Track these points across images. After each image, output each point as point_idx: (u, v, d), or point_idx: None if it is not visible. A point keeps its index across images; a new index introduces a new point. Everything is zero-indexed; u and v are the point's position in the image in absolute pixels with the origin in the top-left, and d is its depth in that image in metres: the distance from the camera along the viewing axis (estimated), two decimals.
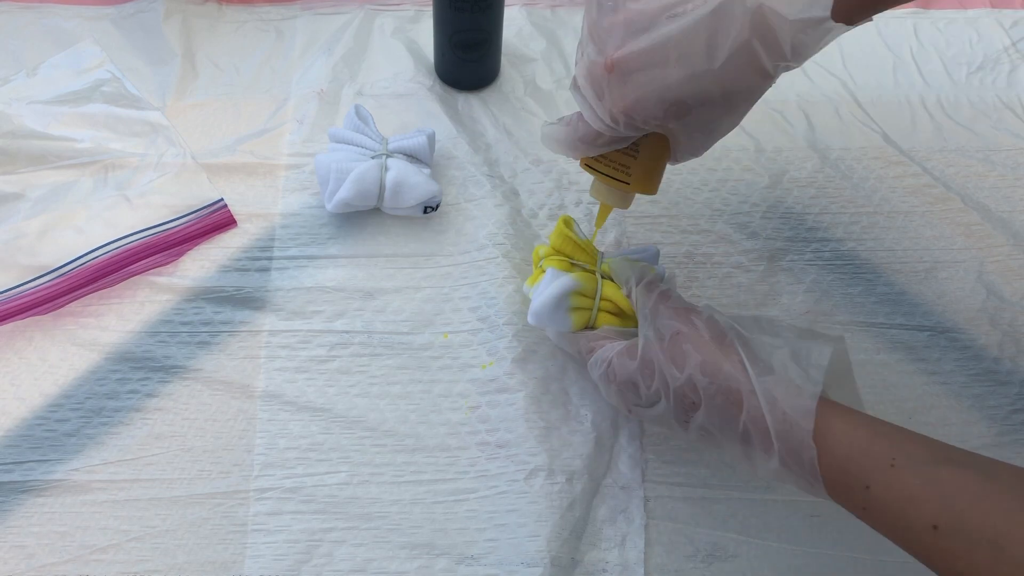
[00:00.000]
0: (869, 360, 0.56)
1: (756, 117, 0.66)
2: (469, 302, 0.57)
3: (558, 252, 0.52)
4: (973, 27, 0.73)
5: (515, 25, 0.70)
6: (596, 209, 0.61)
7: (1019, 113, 0.68)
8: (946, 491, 0.35)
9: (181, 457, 0.51)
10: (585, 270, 0.51)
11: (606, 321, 0.50)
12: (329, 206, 0.57)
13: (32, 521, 0.48)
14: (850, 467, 0.38)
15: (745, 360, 0.42)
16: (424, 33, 0.69)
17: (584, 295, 0.50)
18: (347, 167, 0.56)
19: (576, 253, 0.51)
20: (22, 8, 0.68)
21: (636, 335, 0.47)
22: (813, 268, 0.59)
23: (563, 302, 0.49)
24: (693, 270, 0.59)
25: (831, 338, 0.44)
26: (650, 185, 0.46)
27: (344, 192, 0.56)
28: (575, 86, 0.42)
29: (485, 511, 0.50)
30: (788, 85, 0.68)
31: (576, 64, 0.42)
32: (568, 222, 0.52)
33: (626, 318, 0.50)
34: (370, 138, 0.58)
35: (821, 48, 0.37)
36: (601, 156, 0.45)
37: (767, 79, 0.38)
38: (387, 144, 0.58)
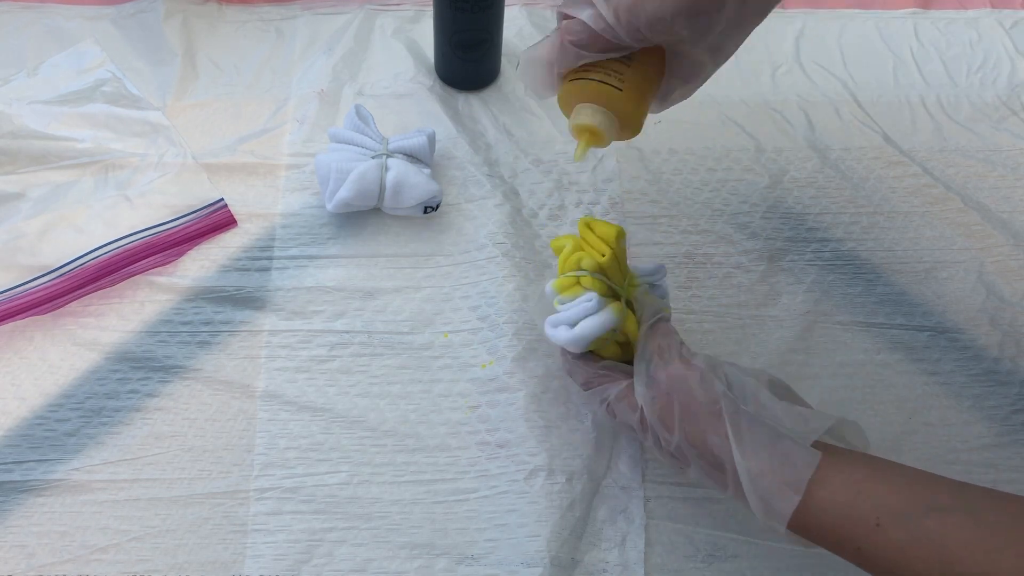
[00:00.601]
0: (869, 360, 0.56)
1: (756, 117, 0.66)
2: (469, 301, 0.57)
3: (601, 270, 0.46)
4: (973, 27, 0.73)
5: (515, 25, 0.70)
6: (597, 209, 0.61)
7: (1019, 113, 0.68)
8: (934, 543, 0.36)
9: (181, 457, 0.51)
10: (615, 296, 0.47)
11: (612, 351, 0.48)
12: (329, 206, 0.57)
13: (32, 521, 0.48)
14: (839, 530, 0.38)
15: (731, 436, 0.41)
16: (424, 33, 0.69)
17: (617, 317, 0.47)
18: (347, 167, 0.56)
19: (617, 277, 0.47)
20: (22, 8, 0.68)
21: (630, 370, 0.47)
22: (813, 268, 0.59)
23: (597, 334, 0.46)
24: (693, 270, 0.59)
25: (843, 421, 0.43)
26: (640, 104, 0.42)
27: (344, 192, 0.56)
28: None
29: (485, 511, 0.50)
30: (788, 85, 0.68)
31: None
32: (621, 234, 0.47)
33: (629, 351, 0.48)
34: (370, 138, 0.58)
35: None
36: (589, 65, 0.41)
37: None
38: (387, 144, 0.58)
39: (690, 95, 0.43)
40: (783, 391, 0.44)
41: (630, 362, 0.47)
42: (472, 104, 0.66)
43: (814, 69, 0.70)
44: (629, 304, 0.48)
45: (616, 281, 0.47)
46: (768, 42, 0.71)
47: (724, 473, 0.41)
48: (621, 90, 0.41)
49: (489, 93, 0.66)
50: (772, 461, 0.40)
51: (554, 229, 0.60)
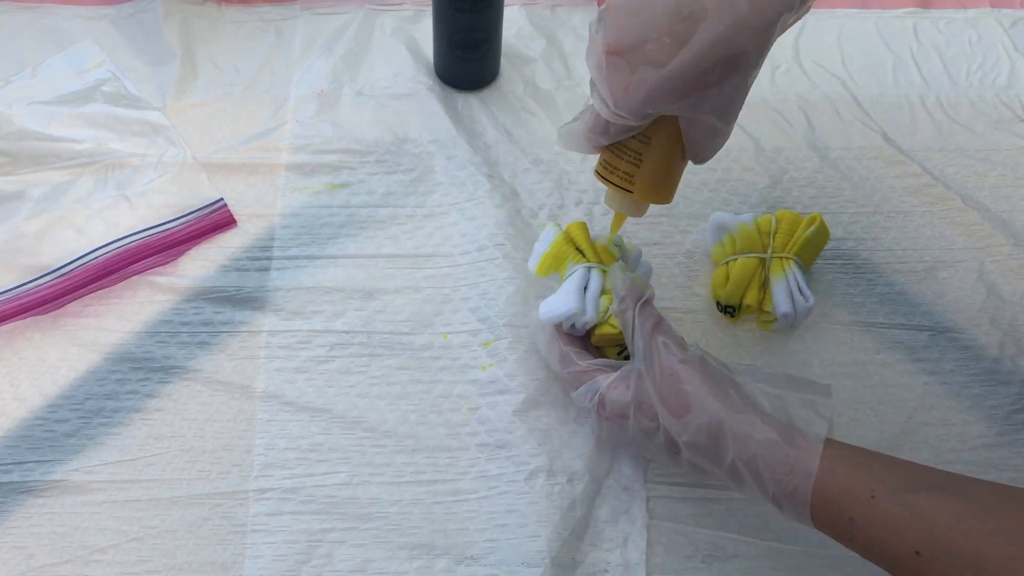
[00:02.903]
0: (869, 360, 0.56)
1: (756, 117, 0.66)
2: (469, 303, 0.56)
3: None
4: (973, 27, 0.73)
5: (515, 25, 0.70)
6: (597, 209, 0.61)
7: (1019, 113, 0.68)
8: (926, 517, 0.36)
9: (181, 457, 0.51)
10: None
11: (607, 332, 0.49)
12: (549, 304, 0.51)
13: (32, 522, 0.48)
14: (833, 502, 0.39)
15: (739, 405, 0.42)
16: (424, 33, 0.69)
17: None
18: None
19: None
20: (21, 8, 0.68)
21: (622, 366, 0.47)
22: (813, 268, 0.59)
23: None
24: (694, 269, 0.59)
25: (820, 387, 0.45)
26: (658, 192, 0.45)
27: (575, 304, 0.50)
28: (592, 82, 0.42)
29: (485, 511, 0.50)
30: (788, 85, 0.68)
31: (588, 53, 0.42)
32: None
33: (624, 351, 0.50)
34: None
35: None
36: (608, 163, 0.45)
37: (764, 34, 0.38)
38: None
39: (718, 149, 0.44)
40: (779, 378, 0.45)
41: (618, 365, 0.48)
42: (472, 104, 0.66)
43: (814, 68, 0.70)
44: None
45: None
46: None
47: (725, 447, 0.42)
48: (632, 192, 0.45)
49: (489, 93, 0.66)
50: (788, 427, 0.41)
51: None
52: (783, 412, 0.43)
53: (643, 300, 0.47)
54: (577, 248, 0.52)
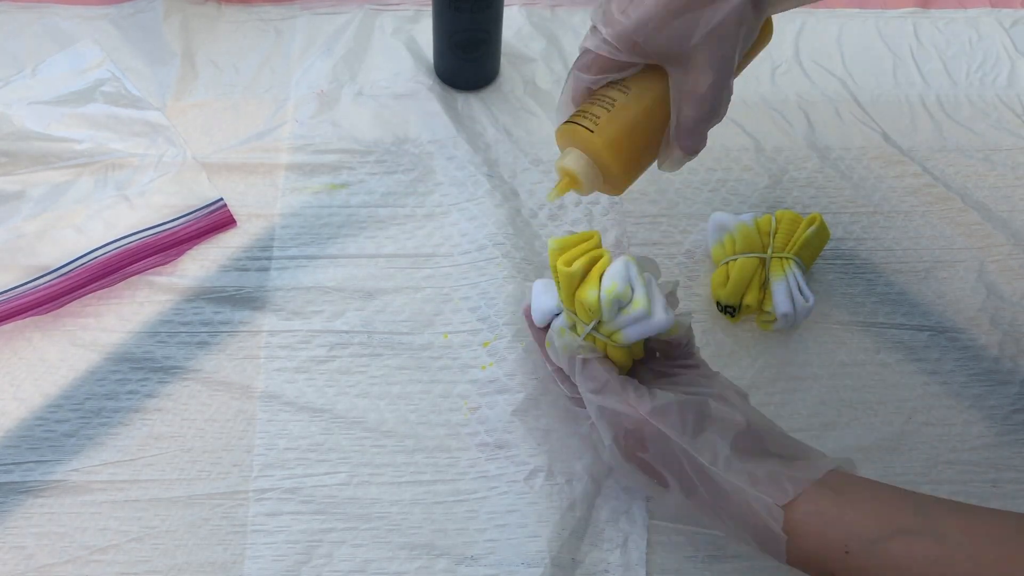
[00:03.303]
0: (869, 360, 0.56)
1: (756, 117, 0.66)
2: (469, 302, 0.56)
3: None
4: (973, 27, 0.73)
5: (515, 25, 0.70)
6: (596, 209, 0.61)
7: (1019, 113, 0.68)
8: (900, 567, 0.37)
9: (180, 458, 0.51)
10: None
11: (621, 357, 0.46)
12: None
13: (31, 522, 0.48)
14: (811, 561, 0.40)
15: (707, 479, 0.42)
16: (424, 33, 0.69)
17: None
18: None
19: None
20: (21, 8, 0.68)
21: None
22: (813, 268, 0.59)
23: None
24: (694, 269, 0.59)
25: (839, 460, 0.43)
26: (619, 148, 0.41)
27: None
28: (594, 10, 0.41)
29: (485, 511, 0.50)
30: (788, 84, 0.68)
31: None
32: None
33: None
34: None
35: None
36: (579, 110, 0.42)
37: None
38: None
39: (703, 122, 0.41)
40: (755, 439, 0.43)
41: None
42: (472, 104, 0.66)
43: (813, 68, 0.70)
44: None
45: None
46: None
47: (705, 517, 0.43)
48: (592, 131, 0.41)
49: (489, 93, 0.66)
50: (745, 522, 0.41)
51: (554, 229, 0.60)
52: (747, 475, 0.41)
53: (581, 358, 0.45)
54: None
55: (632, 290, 0.43)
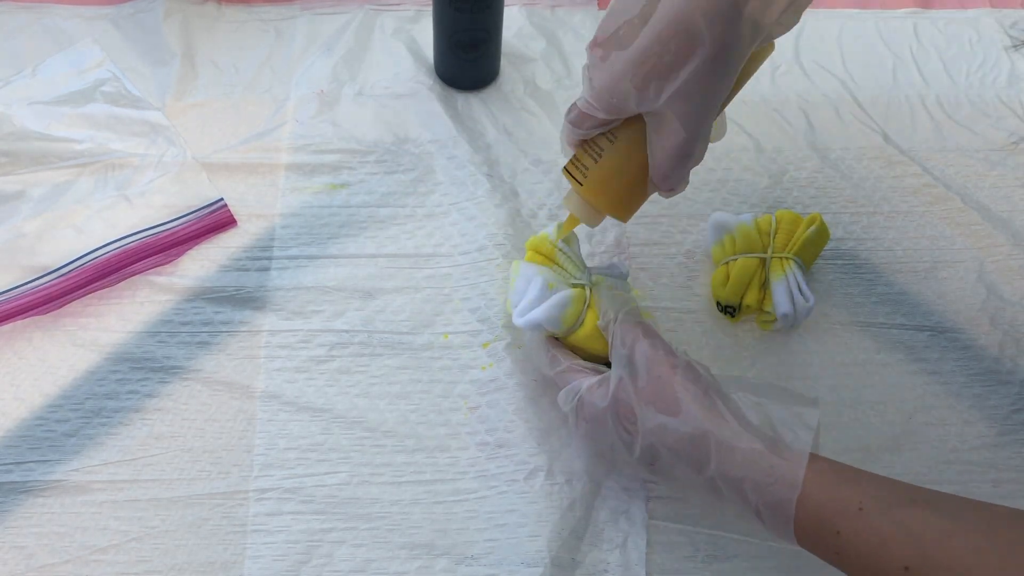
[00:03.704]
0: (869, 360, 0.56)
1: (756, 117, 0.66)
2: (469, 303, 0.57)
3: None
4: (973, 27, 0.73)
5: (515, 25, 0.70)
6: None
7: (1019, 113, 0.68)
8: (914, 532, 0.36)
9: (181, 457, 0.51)
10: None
11: (598, 346, 0.49)
12: (519, 320, 0.49)
13: (32, 522, 0.48)
14: (819, 515, 0.39)
15: (725, 413, 0.42)
16: (424, 33, 0.69)
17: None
18: (556, 283, 0.50)
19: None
20: (21, 8, 0.68)
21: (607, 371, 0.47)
22: (813, 268, 0.59)
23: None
24: (694, 269, 0.59)
25: (807, 398, 0.44)
26: (607, 195, 0.45)
27: (540, 314, 0.49)
28: (583, 70, 0.44)
29: (485, 511, 0.50)
30: (788, 85, 0.68)
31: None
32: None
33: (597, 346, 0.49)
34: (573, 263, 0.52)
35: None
36: (574, 158, 0.46)
37: (719, 20, 0.38)
38: (589, 275, 0.51)
39: (679, 168, 0.43)
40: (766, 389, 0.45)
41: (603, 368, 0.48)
42: (472, 104, 0.66)
43: (814, 68, 0.70)
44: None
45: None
46: None
47: (707, 457, 0.42)
48: (582, 184, 0.45)
49: (489, 93, 0.66)
50: (775, 437, 0.41)
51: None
52: (768, 423, 0.42)
53: (625, 311, 0.47)
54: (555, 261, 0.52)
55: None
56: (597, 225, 0.48)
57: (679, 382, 0.43)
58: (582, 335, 0.49)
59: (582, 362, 0.49)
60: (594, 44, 0.41)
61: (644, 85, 0.39)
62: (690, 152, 0.42)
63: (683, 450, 0.43)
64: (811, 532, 0.40)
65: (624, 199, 0.46)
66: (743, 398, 0.44)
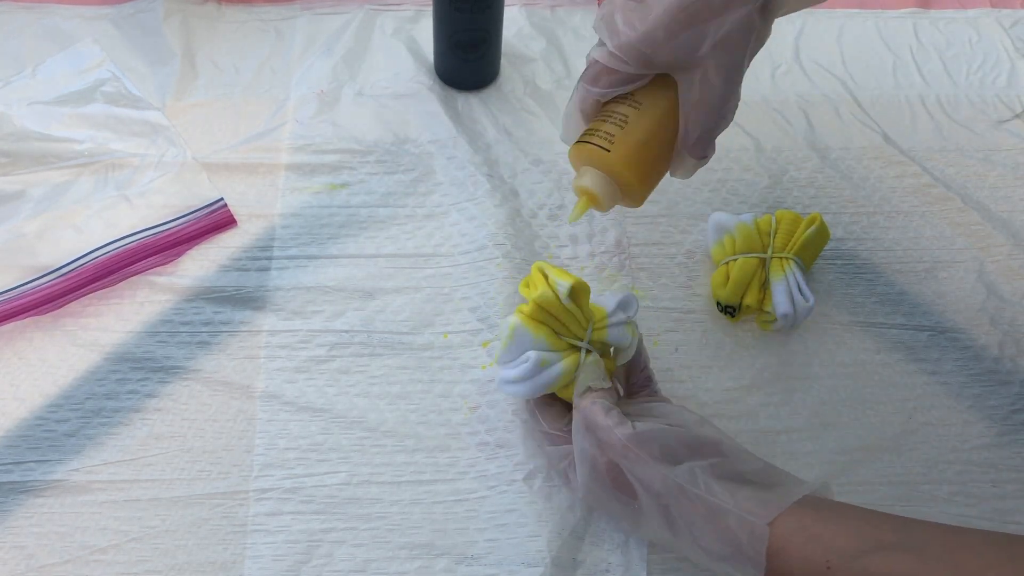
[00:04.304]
0: (869, 360, 0.56)
1: (756, 117, 0.66)
2: (469, 302, 0.57)
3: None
4: (973, 27, 0.73)
5: (515, 25, 0.70)
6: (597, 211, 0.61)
7: (1019, 113, 0.68)
8: None
9: (181, 457, 0.51)
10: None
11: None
12: (503, 387, 0.47)
13: (32, 522, 0.48)
14: (793, 574, 0.39)
15: (683, 489, 0.41)
16: (424, 33, 0.69)
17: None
18: (550, 358, 0.46)
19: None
20: (21, 8, 0.68)
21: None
22: (813, 268, 0.59)
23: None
24: (694, 269, 0.59)
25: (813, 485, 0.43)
26: (636, 165, 0.41)
27: (523, 388, 0.47)
28: (597, 22, 0.41)
29: (485, 511, 0.50)
30: (788, 85, 0.68)
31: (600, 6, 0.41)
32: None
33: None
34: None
35: None
36: (591, 129, 0.42)
37: None
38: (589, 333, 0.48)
39: (712, 130, 0.41)
40: (731, 467, 0.43)
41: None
42: (472, 104, 0.66)
43: (814, 68, 0.70)
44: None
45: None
46: (767, 41, 0.71)
47: (680, 544, 0.43)
48: (609, 151, 0.41)
49: (489, 93, 0.66)
50: (725, 545, 0.40)
51: (554, 229, 0.60)
52: (729, 496, 0.41)
53: (584, 391, 0.45)
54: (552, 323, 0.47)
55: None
56: (610, 208, 0.44)
57: (626, 472, 0.43)
58: (568, 393, 0.47)
59: (567, 421, 0.48)
60: None
61: (687, 31, 0.38)
62: (726, 111, 0.41)
63: (656, 530, 0.44)
64: None
65: (650, 172, 0.43)
66: (703, 485, 0.42)
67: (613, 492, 0.44)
